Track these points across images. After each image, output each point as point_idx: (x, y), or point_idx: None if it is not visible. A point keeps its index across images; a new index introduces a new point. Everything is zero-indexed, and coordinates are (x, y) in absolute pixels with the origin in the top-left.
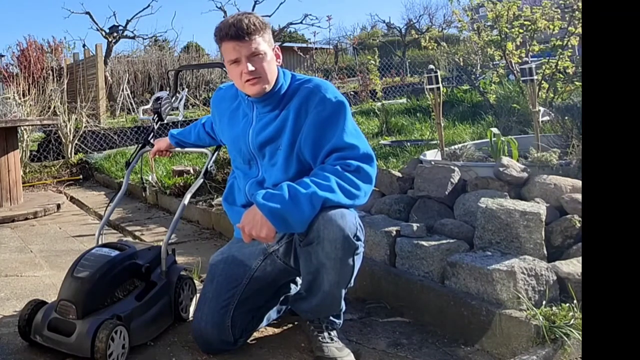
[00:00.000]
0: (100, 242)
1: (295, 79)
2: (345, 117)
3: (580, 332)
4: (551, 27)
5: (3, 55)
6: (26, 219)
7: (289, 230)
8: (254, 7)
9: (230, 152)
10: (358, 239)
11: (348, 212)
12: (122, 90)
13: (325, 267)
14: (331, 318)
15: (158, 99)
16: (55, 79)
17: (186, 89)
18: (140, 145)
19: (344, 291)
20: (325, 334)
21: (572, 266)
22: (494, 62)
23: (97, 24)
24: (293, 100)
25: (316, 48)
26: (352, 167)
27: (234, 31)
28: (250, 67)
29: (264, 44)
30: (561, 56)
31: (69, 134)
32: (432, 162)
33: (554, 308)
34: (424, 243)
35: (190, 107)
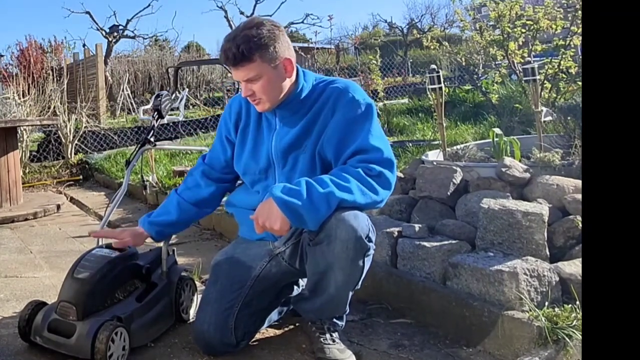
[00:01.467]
0: (100, 243)
1: (318, 80)
2: (372, 120)
3: None
4: (554, 26)
5: (3, 55)
6: (26, 219)
7: (303, 226)
8: (254, 6)
9: (244, 165)
10: (370, 240)
11: (361, 213)
12: (123, 90)
13: (334, 268)
14: (334, 319)
15: (158, 95)
16: (55, 79)
17: (187, 89)
18: (140, 143)
19: (350, 293)
20: (327, 335)
21: (575, 267)
22: (496, 62)
23: (97, 23)
24: (319, 100)
25: (317, 48)
26: (374, 172)
27: (224, 59)
28: (247, 92)
29: (261, 65)
30: (564, 56)
31: (69, 134)
32: (434, 163)
33: (556, 309)
34: (426, 244)
35: (191, 107)
